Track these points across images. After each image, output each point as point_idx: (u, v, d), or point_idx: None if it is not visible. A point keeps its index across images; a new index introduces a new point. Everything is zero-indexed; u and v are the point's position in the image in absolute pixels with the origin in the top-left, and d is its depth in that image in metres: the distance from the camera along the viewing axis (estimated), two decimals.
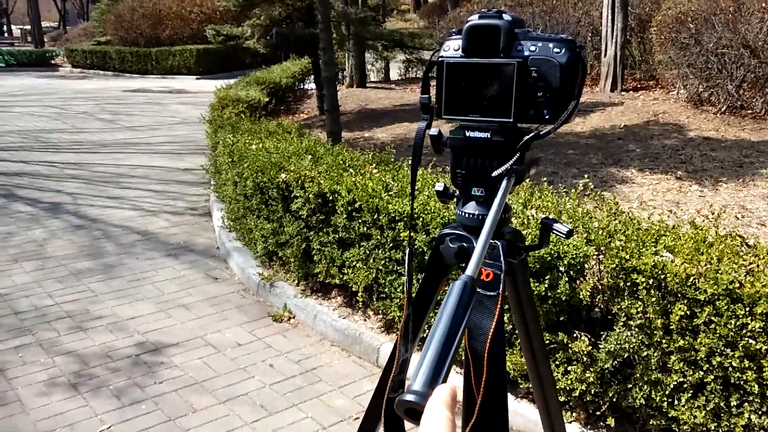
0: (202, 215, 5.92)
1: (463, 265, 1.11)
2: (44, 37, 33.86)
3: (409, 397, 0.63)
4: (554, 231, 1.07)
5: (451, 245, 1.11)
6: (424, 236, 3.04)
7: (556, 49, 1.05)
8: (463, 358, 1.04)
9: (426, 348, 0.67)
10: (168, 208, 6.17)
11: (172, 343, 3.56)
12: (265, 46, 9.71)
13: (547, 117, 1.07)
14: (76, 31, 32.94)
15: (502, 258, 1.05)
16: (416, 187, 3.36)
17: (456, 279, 0.78)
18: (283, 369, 3.31)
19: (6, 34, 44.96)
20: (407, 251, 1.15)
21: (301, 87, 12.55)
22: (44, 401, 3.02)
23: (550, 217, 1.10)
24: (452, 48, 1.10)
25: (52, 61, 27.06)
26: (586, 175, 3.94)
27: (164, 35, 21.82)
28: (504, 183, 1.04)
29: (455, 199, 1.15)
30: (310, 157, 4.11)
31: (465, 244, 1.11)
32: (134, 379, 3.21)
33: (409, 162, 3.84)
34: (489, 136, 1.09)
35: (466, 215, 1.12)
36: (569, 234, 1.03)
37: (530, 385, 2.48)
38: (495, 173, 1.05)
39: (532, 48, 1.06)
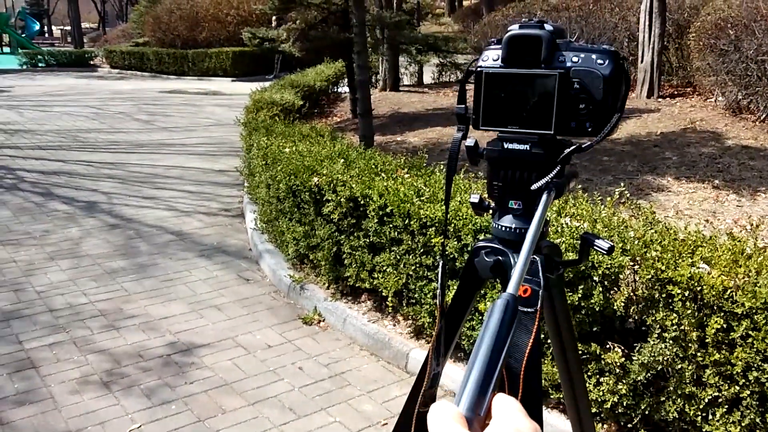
0: (235, 216, 5.98)
1: (498, 279, 1.10)
2: (84, 38, 34.53)
3: None
4: (595, 247, 1.05)
5: (486, 258, 1.10)
6: (456, 243, 3.02)
7: (599, 61, 1.03)
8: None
9: (469, 370, 0.66)
10: (202, 209, 6.25)
11: (203, 344, 3.60)
12: (300, 50, 9.78)
13: (589, 130, 1.04)
14: (115, 33, 33.57)
15: (540, 273, 1.03)
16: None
17: (497, 297, 0.76)
18: (312, 372, 3.33)
19: (47, 35, 46.03)
20: (440, 264, 1.14)
21: (335, 90, 12.61)
22: (76, 399, 3.08)
23: (591, 232, 1.08)
24: (491, 58, 1.08)
25: (91, 62, 27.60)
26: (621, 183, 3.89)
27: (201, 37, 22.12)
28: (544, 197, 1.01)
29: (491, 212, 1.14)
30: (342, 161, 4.13)
31: (501, 258, 1.09)
32: (165, 379, 3.25)
33: (442, 168, 3.84)
34: (528, 148, 1.07)
35: (503, 228, 1.11)
36: (610, 250, 1.01)
37: (561, 395, 2.45)
38: (534, 186, 1.03)
39: (575, 59, 1.03)
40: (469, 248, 2.94)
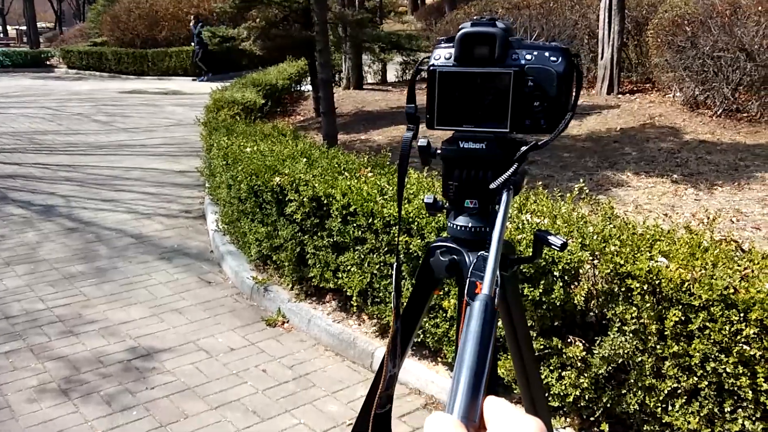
0: (196, 218, 5.89)
1: (454, 278, 1.09)
2: (40, 38, 33.75)
3: None
4: (548, 244, 1.05)
5: (442, 258, 1.09)
6: (419, 241, 3.02)
7: (552, 58, 1.03)
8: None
9: (457, 376, 0.64)
10: (162, 211, 6.14)
11: (164, 348, 3.54)
12: (262, 48, 9.69)
13: (544, 126, 1.05)
14: (72, 32, 32.82)
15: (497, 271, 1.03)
16: (411, 191, 3.34)
17: (472, 300, 0.75)
18: (277, 374, 3.29)
19: (1, 35, 44.83)
20: (395, 265, 1.13)
21: (298, 89, 12.52)
22: (34, 407, 2.99)
23: (543, 229, 1.08)
24: (443, 56, 1.06)
25: (48, 62, 26.96)
26: (581, 179, 3.93)
27: (160, 36, 21.77)
28: (505, 195, 1.01)
29: (445, 212, 1.13)
30: (305, 160, 4.09)
31: (456, 257, 1.09)
32: (125, 384, 3.19)
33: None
34: (484, 146, 1.07)
35: (459, 228, 1.10)
36: (563, 246, 1.01)
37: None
38: (494, 184, 1.02)
39: (528, 57, 1.04)
40: None
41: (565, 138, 7.80)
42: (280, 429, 2.85)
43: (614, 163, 6.58)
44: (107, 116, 12.52)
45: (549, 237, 1.05)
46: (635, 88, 10.66)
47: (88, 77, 22.31)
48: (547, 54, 1.03)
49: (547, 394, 2.65)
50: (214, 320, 3.88)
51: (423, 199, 1.15)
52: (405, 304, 1.16)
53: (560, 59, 1.03)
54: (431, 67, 1.05)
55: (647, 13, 10.71)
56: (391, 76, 15.09)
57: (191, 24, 19.30)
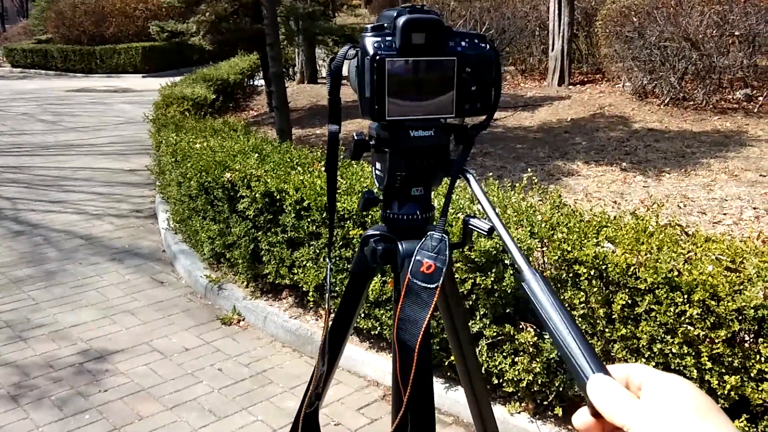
0: (148, 217, 5.79)
1: (390, 265, 1.10)
2: None
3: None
4: (474, 228, 1.07)
5: (376, 246, 1.10)
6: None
7: (482, 44, 1.08)
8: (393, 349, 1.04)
9: (566, 343, 0.68)
10: (112, 211, 6.01)
11: (116, 350, 3.47)
12: (212, 42, 9.54)
13: (480, 108, 1.10)
14: (16, 30, 31.76)
15: (447, 252, 1.05)
16: (365, 184, 3.33)
17: (523, 281, 0.79)
18: (233, 373, 3.26)
19: None
20: (327, 266, 1.13)
21: (251, 83, 12.39)
22: None
23: (471, 214, 1.10)
24: (381, 46, 1.04)
25: None
26: (530, 169, 3.99)
27: (108, 33, 21.26)
28: (470, 176, 1.05)
29: (381, 203, 1.14)
30: (256, 155, 4.05)
31: (390, 245, 1.09)
32: (77, 388, 3.12)
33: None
34: (432, 133, 1.09)
35: (406, 217, 1.11)
36: (490, 231, 1.03)
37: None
38: (464, 170, 1.06)
39: (463, 44, 1.07)
40: None
41: (518, 129, 7.90)
42: (237, 427, 2.83)
43: (565, 153, 6.69)
44: (54, 116, 12.18)
45: (476, 222, 1.06)
46: (585, 79, 10.85)
47: (34, 76, 21.65)
48: (476, 41, 1.07)
49: (501, 380, 2.68)
50: (167, 320, 3.82)
51: (364, 194, 1.15)
52: (342, 296, 1.16)
53: (487, 45, 1.08)
54: (378, 57, 1.03)
55: (596, 4, 10.91)
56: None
57: None
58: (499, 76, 1.10)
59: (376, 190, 1.15)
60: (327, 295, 1.10)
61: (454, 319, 1.18)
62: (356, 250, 1.15)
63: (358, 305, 1.15)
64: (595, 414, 0.58)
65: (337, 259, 3.26)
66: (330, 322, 1.07)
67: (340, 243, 3.23)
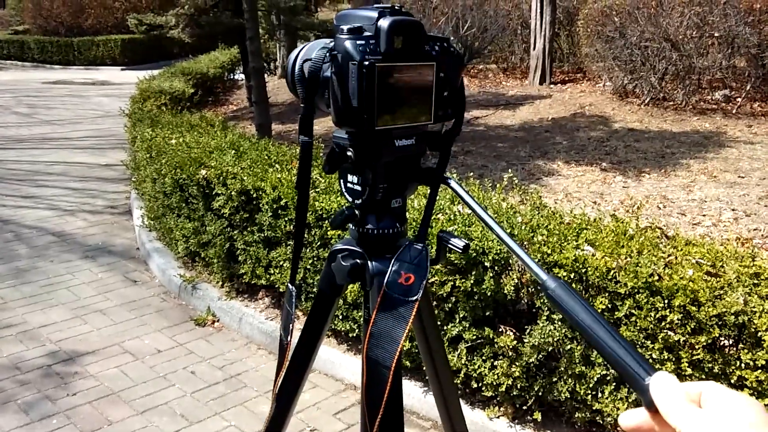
0: (122, 214, 5.67)
1: (359, 283, 1.04)
2: None
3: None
4: (450, 245, 1.02)
5: (343, 263, 1.04)
6: None
7: (451, 48, 1.03)
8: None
9: (609, 348, 0.69)
10: (86, 207, 5.89)
11: (87, 352, 3.38)
12: (191, 36, 9.41)
13: (450, 114, 1.05)
14: None
15: (428, 264, 1.01)
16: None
17: (549, 291, 0.78)
18: (206, 376, 3.18)
19: None
20: (292, 291, 1.09)
21: (231, 77, 12.25)
22: None
23: (447, 230, 1.06)
24: (367, 50, 0.94)
25: None
26: (511, 169, 3.95)
27: (86, 24, 20.96)
28: (454, 183, 1.03)
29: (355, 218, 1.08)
30: (233, 152, 3.97)
31: (359, 261, 1.04)
32: (45, 391, 3.02)
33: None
34: (413, 142, 1.05)
35: (384, 231, 1.06)
36: (465, 248, 0.98)
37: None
38: (445, 178, 1.06)
39: (437, 48, 1.02)
40: None
41: (499, 128, 7.88)
42: None
43: (545, 153, 6.67)
44: (29, 108, 11.96)
45: (452, 240, 1.02)
46: (567, 78, 10.87)
47: (10, 67, 21.24)
48: (446, 45, 1.03)
49: (480, 384, 2.64)
50: (140, 321, 3.73)
51: (344, 210, 1.08)
52: (308, 315, 1.11)
53: (455, 49, 1.04)
54: (367, 62, 0.93)
55: (578, 4, 10.93)
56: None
57: None
58: (461, 81, 1.07)
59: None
60: (291, 327, 1.05)
61: (422, 318, 1.14)
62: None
63: (323, 329, 1.09)
64: (652, 408, 0.61)
65: (315, 259, 3.20)
66: (286, 364, 1.04)
67: (318, 243, 3.17)
